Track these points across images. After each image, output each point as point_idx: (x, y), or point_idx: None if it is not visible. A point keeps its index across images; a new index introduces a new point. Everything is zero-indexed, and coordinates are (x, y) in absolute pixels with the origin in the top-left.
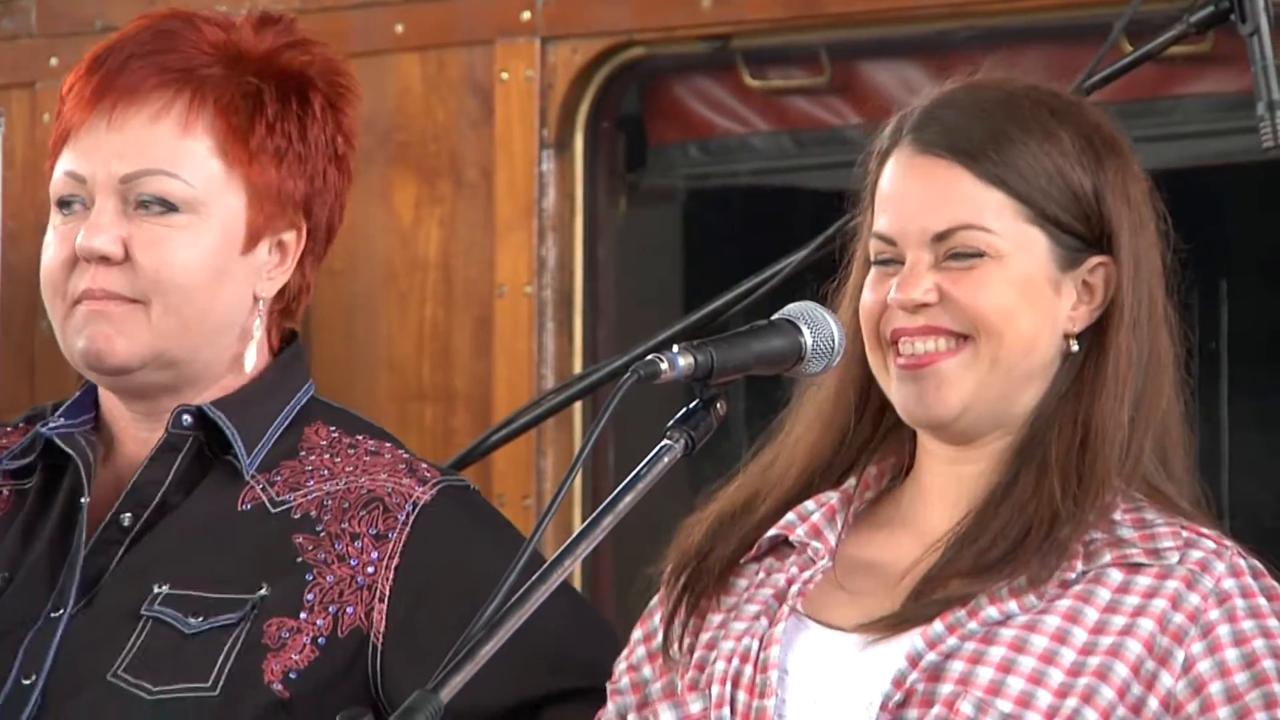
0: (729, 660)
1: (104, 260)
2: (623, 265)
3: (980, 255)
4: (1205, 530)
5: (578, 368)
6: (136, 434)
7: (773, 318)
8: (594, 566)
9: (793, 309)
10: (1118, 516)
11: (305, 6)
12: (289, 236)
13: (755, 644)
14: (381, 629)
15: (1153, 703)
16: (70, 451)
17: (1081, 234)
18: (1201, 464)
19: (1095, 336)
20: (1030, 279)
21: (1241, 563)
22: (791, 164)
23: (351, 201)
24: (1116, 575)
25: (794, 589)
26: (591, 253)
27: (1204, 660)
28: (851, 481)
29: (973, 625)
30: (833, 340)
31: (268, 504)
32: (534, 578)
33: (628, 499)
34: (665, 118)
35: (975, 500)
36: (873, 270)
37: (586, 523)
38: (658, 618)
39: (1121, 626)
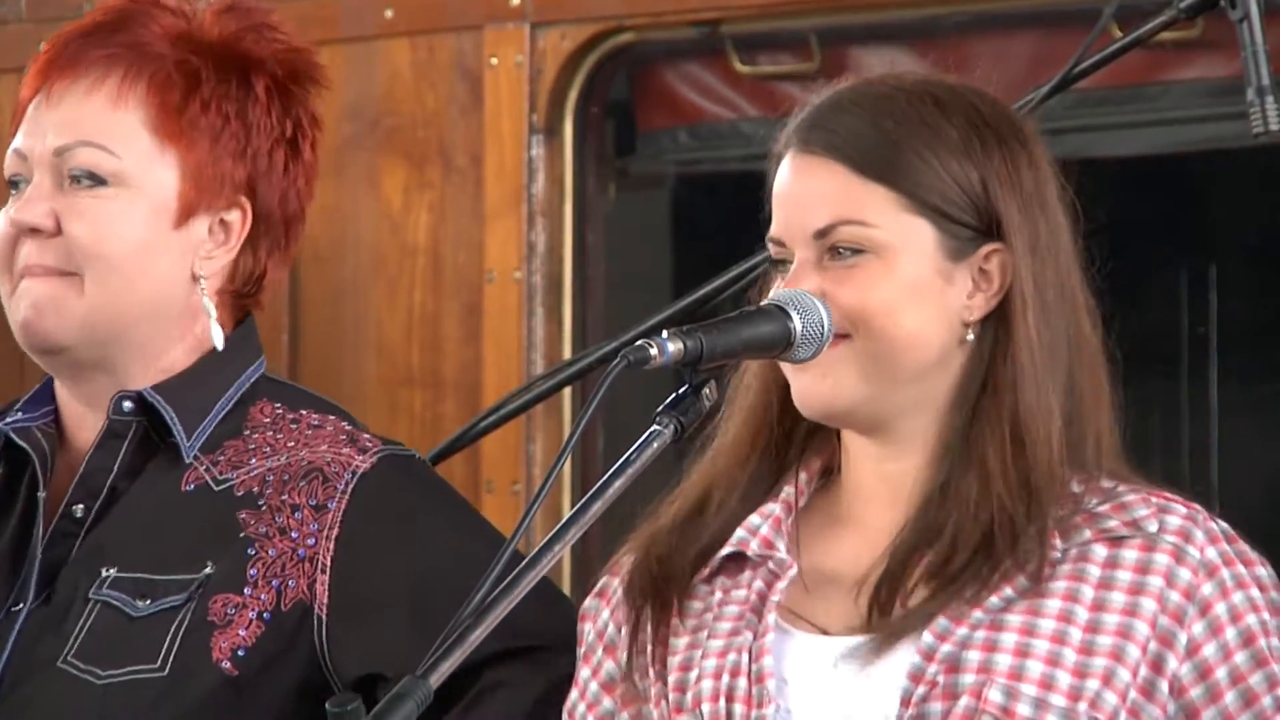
0: (716, 678)
1: (36, 232)
2: (612, 250)
3: (862, 251)
4: (1170, 495)
5: (567, 353)
6: (85, 422)
7: (762, 303)
8: (583, 552)
9: (782, 294)
10: (1076, 488)
11: None
12: (232, 217)
13: (743, 657)
14: (324, 601)
15: (1162, 685)
16: (25, 446)
17: (970, 223)
18: (1191, 449)
19: (1001, 325)
20: (916, 272)
21: (1214, 527)
22: None
23: (340, 187)
24: (1101, 550)
25: (773, 599)
26: (581, 238)
27: (1208, 645)
28: (789, 490)
29: (976, 613)
30: (822, 325)
31: (210, 483)
32: (524, 562)
33: (617, 485)
34: (655, 103)
35: (914, 499)
36: (774, 271)
37: (576, 508)
38: (600, 653)
39: (1124, 605)
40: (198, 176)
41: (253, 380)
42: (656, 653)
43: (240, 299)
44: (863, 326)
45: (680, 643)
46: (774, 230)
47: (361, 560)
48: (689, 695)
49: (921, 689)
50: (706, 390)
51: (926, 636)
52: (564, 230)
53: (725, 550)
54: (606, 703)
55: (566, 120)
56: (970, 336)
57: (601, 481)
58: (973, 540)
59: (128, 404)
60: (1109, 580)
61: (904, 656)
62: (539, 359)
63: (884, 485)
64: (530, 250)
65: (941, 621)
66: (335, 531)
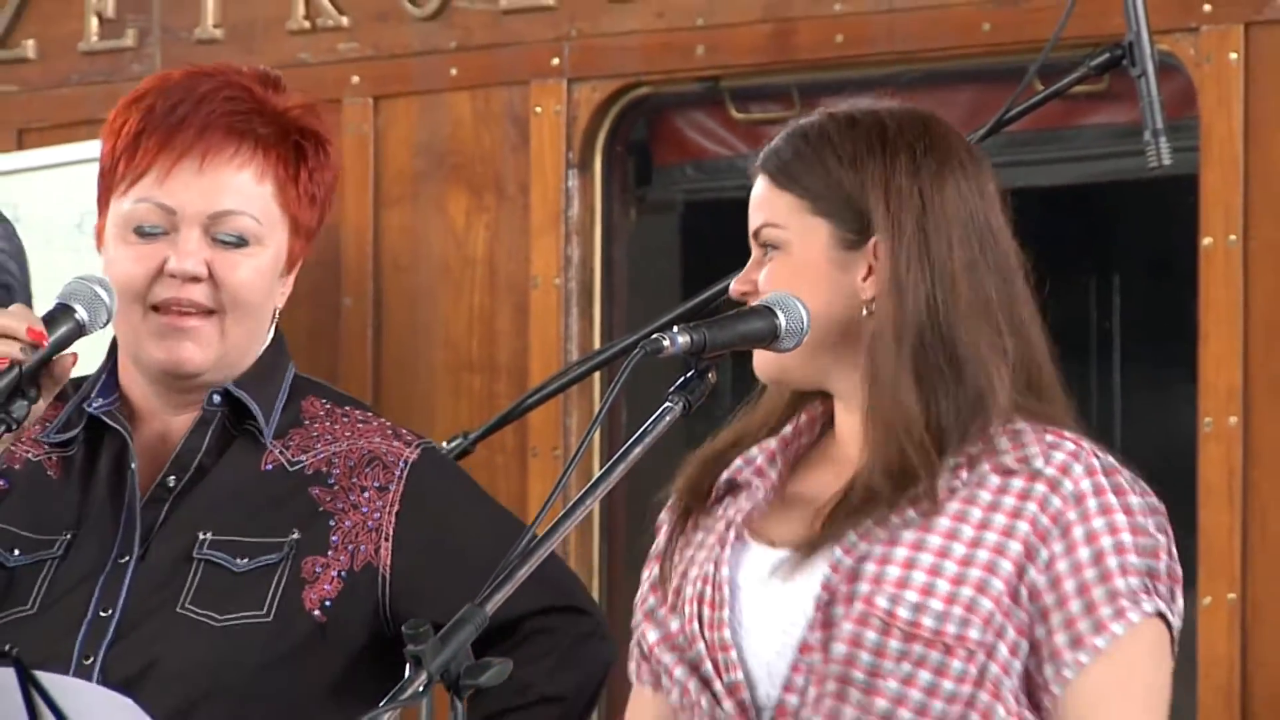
0: (695, 584)
1: (192, 279)
2: (633, 263)
3: (776, 247)
4: (1067, 434)
5: (597, 345)
6: (155, 408)
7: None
8: (609, 508)
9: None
10: (993, 431)
11: (376, 54)
12: (299, 261)
13: (712, 567)
14: (388, 562)
15: (1024, 592)
16: (117, 427)
17: (856, 221)
18: (1098, 421)
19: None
20: (812, 262)
21: (1095, 462)
22: None
23: (415, 211)
24: (994, 479)
25: (737, 517)
26: (608, 253)
27: (1062, 561)
28: (789, 429)
29: (880, 532)
30: (802, 322)
31: (285, 464)
32: (561, 514)
33: (636, 450)
34: (667, 143)
35: (864, 441)
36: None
37: (603, 469)
38: (653, 558)
39: (1003, 527)
40: (300, 233)
41: (292, 378)
42: (674, 562)
43: None
44: (774, 308)
45: (686, 555)
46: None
47: (416, 531)
48: (680, 598)
49: (827, 595)
50: (710, 375)
51: (837, 551)
52: (594, 246)
53: (724, 476)
54: (652, 600)
55: (596, 157)
56: (865, 312)
57: (624, 448)
58: (882, 473)
59: (216, 398)
60: (995, 505)
61: (819, 568)
62: (574, 349)
63: (850, 431)
64: (567, 262)
65: (851, 538)
66: (395, 508)
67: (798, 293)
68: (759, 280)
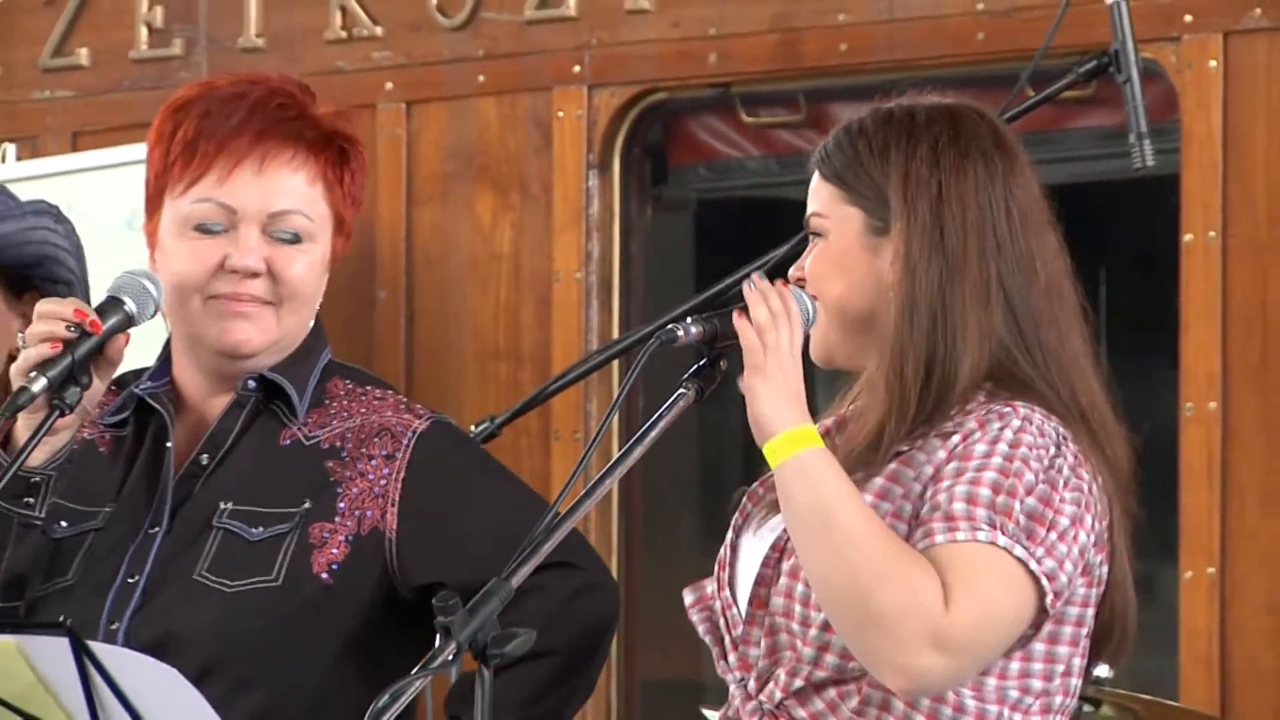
0: (723, 549)
1: (252, 275)
2: (649, 258)
3: (820, 235)
4: (1019, 405)
5: (615, 334)
6: (202, 390)
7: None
8: (627, 487)
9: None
10: (971, 408)
11: (409, 62)
12: (339, 257)
13: (732, 533)
14: (394, 526)
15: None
16: (158, 408)
17: (883, 208)
18: None
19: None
20: (848, 248)
21: (1016, 421)
22: (776, 181)
23: (445, 209)
24: (935, 443)
25: (756, 488)
26: (626, 248)
27: (947, 464)
28: (847, 408)
29: None
30: (808, 313)
31: (302, 440)
32: (584, 491)
33: (653, 434)
34: (681, 145)
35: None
36: None
37: (622, 451)
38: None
39: (916, 476)
40: (342, 231)
41: (325, 363)
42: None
43: None
44: (815, 292)
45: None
46: None
47: (421, 496)
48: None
49: (776, 554)
50: (721, 363)
51: None
52: (613, 242)
53: None
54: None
55: (615, 159)
56: (892, 294)
57: (641, 430)
58: (866, 439)
59: (252, 383)
60: (923, 463)
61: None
62: (594, 339)
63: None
64: (588, 257)
65: None
66: (402, 475)
67: (836, 277)
68: (806, 265)
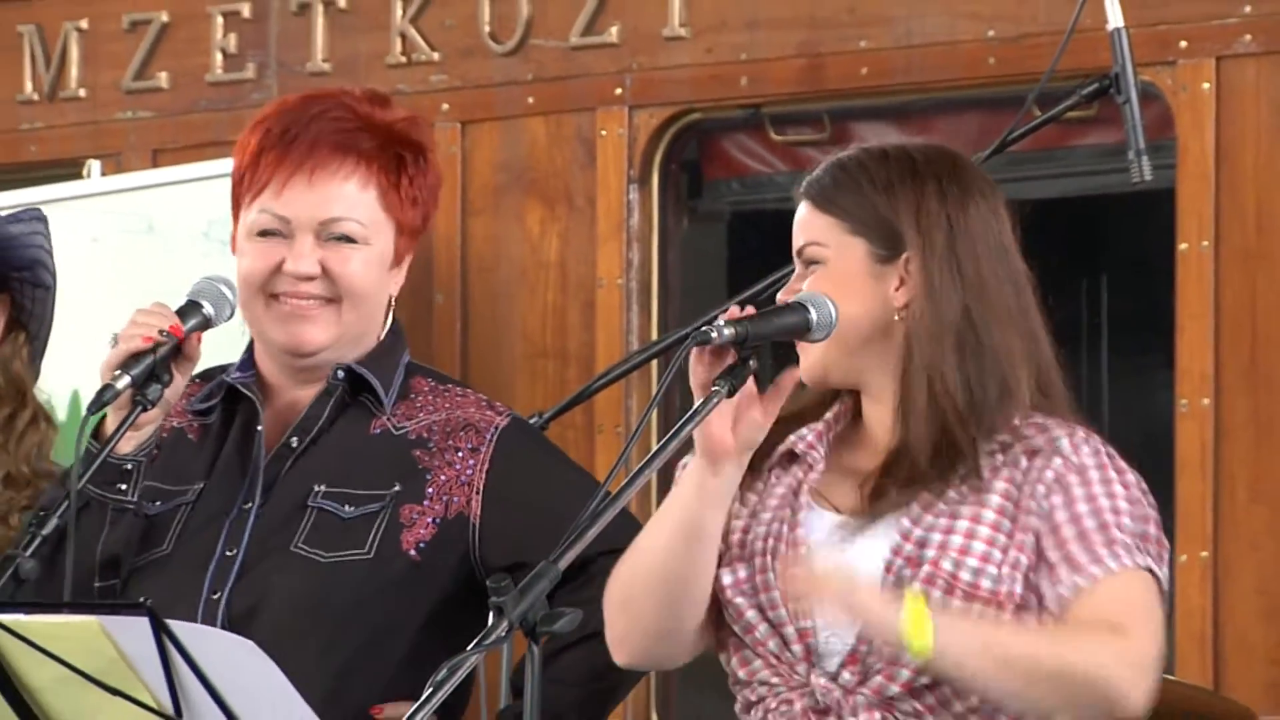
0: (765, 539)
1: (307, 278)
2: (685, 266)
3: (818, 263)
4: (1079, 428)
5: (654, 336)
6: (283, 382)
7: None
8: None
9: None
10: (1017, 421)
11: (463, 84)
12: (408, 255)
13: (784, 526)
14: (478, 512)
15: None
16: (250, 395)
17: (889, 239)
18: (1088, 403)
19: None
20: (850, 274)
21: (1102, 447)
22: None
23: (496, 220)
24: (1024, 461)
25: (806, 484)
26: (664, 257)
27: (1061, 512)
28: (830, 414)
29: (940, 505)
30: (831, 317)
31: (391, 430)
32: (625, 481)
33: (689, 428)
34: (715, 162)
35: (894, 428)
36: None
37: (660, 444)
38: None
39: (1030, 494)
40: (405, 233)
41: (406, 362)
42: (733, 508)
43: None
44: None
45: (743, 511)
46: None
47: (503, 485)
48: (748, 548)
49: (899, 560)
50: (751, 362)
51: (904, 521)
52: (652, 251)
53: (781, 448)
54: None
55: (654, 174)
56: (897, 318)
57: (677, 426)
58: (925, 452)
59: (340, 373)
60: (1025, 481)
61: (885, 533)
62: (635, 340)
63: (879, 420)
64: (629, 265)
65: (915, 510)
66: (486, 466)
67: (840, 300)
68: (802, 290)
